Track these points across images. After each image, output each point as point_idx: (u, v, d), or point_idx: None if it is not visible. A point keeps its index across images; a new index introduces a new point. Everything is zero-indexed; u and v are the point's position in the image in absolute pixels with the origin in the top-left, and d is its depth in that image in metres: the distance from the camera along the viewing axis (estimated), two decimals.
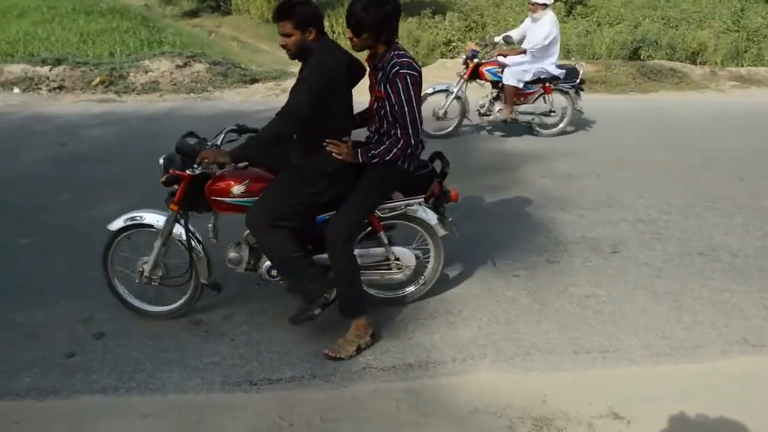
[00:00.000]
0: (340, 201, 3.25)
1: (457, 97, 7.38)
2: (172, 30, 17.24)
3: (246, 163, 3.32)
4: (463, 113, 7.47)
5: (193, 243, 3.37)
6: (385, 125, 3.24)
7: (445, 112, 7.40)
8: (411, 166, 3.28)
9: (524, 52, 7.33)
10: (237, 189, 3.24)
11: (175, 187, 3.27)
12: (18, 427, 2.80)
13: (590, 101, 10.24)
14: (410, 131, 3.11)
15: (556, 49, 7.53)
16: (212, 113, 8.38)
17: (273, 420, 2.87)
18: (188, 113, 8.41)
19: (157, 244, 3.38)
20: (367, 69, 3.31)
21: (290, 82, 10.84)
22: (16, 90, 9.14)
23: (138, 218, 3.40)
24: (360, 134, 3.51)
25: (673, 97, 11.11)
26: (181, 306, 3.58)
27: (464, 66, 7.55)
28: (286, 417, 2.89)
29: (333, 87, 3.08)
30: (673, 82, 11.92)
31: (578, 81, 7.60)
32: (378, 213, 3.43)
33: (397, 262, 3.61)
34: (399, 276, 3.66)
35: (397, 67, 3.05)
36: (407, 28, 15.93)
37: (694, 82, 12.15)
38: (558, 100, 7.68)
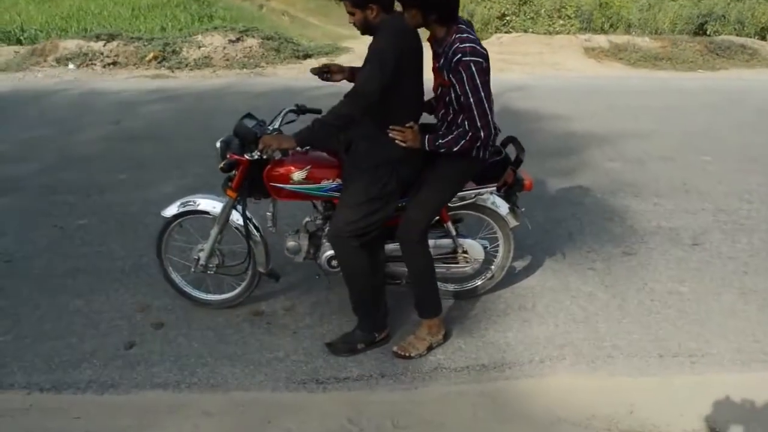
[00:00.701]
0: (407, 186, 3.03)
1: None
2: (222, 4, 17.11)
3: (308, 147, 3.12)
4: None
5: (251, 230, 3.20)
6: (451, 113, 2.94)
7: None
8: (485, 155, 3.02)
9: None
10: (297, 175, 3.04)
11: (233, 172, 3.07)
12: (79, 422, 2.69)
13: (656, 80, 9.82)
14: (479, 123, 2.79)
15: None
16: (266, 90, 8.23)
17: (341, 423, 2.69)
18: (241, 89, 8.28)
19: (214, 231, 3.22)
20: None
21: (343, 58, 10.76)
22: (71, 66, 9.15)
23: (193, 204, 3.24)
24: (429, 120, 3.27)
25: (745, 74, 10.53)
26: (238, 295, 3.43)
27: None
28: (355, 420, 2.70)
29: (402, 66, 2.83)
30: (743, 59, 11.31)
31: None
32: None
33: (465, 255, 3.38)
34: (467, 269, 3.43)
35: (459, 54, 2.69)
36: (461, 1, 15.44)
37: (765, 59, 11.49)
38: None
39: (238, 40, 10.15)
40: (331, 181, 3.07)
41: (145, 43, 9.72)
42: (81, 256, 4.02)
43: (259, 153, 2.91)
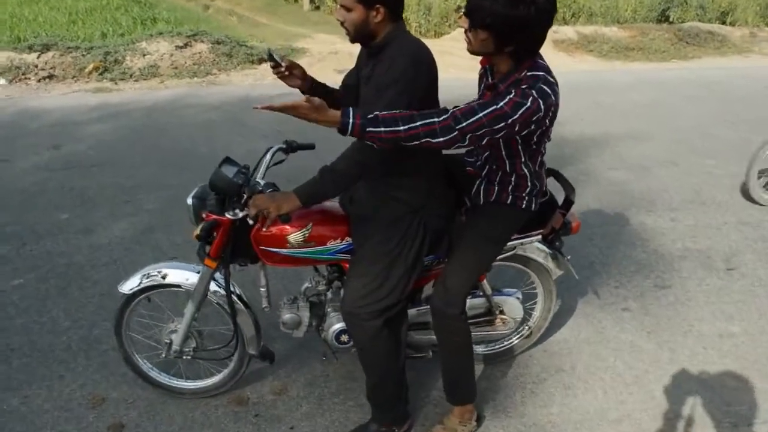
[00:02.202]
0: (436, 240, 2.41)
1: None
2: (165, 5, 16.08)
3: None
4: None
5: (236, 306, 2.52)
6: (495, 159, 2.33)
7: None
8: (536, 204, 2.40)
9: None
10: (295, 237, 2.37)
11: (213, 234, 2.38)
12: None
13: (632, 72, 9.41)
14: (462, 122, 1.93)
15: None
16: (221, 101, 7.47)
17: None
18: (194, 101, 7.49)
19: (189, 309, 2.52)
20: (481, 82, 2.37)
21: (302, 62, 9.98)
22: (1, 81, 8.18)
23: (159, 276, 2.53)
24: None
25: (719, 63, 10.22)
26: (221, 383, 2.76)
27: None
28: None
29: (429, 97, 2.20)
30: (713, 46, 11.04)
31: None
32: None
33: (502, 316, 2.78)
34: (503, 331, 2.83)
35: (524, 85, 2.00)
36: None
37: (735, 45, 11.27)
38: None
39: (186, 45, 9.31)
40: (339, 241, 2.42)
41: (84, 53, 8.79)
42: (15, 331, 3.26)
43: (250, 218, 2.22)
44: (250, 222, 2.22)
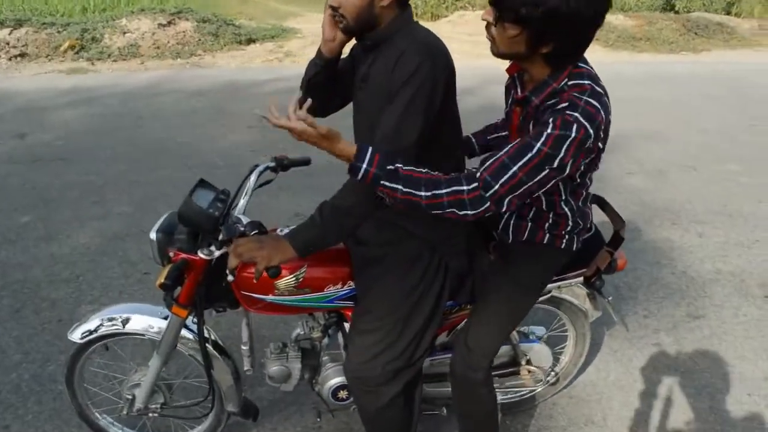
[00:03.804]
0: (458, 284, 1.96)
1: None
2: None
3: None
4: None
5: (213, 358, 2.07)
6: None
7: None
8: (578, 244, 1.96)
9: None
10: (285, 282, 1.91)
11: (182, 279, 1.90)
12: None
13: (642, 64, 8.97)
14: (495, 186, 1.50)
15: None
16: (205, 86, 6.96)
17: None
18: (176, 86, 6.98)
19: (155, 362, 2.07)
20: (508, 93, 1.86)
21: (293, 44, 9.48)
22: None
23: (118, 323, 2.06)
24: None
25: (730, 57, 9.81)
26: None
27: None
28: None
29: (446, 105, 1.73)
30: (722, 38, 10.65)
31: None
32: None
33: (529, 367, 2.35)
34: (530, 385, 2.41)
35: (566, 104, 1.52)
36: None
37: (744, 38, 10.87)
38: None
39: (169, 23, 8.77)
40: (340, 286, 1.96)
41: (60, 29, 8.23)
42: None
43: (218, 248, 1.76)
44: (230, 278, 1.76)
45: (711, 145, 5.79)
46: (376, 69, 1.68)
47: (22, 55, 7.85)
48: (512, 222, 1.92)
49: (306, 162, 2.20)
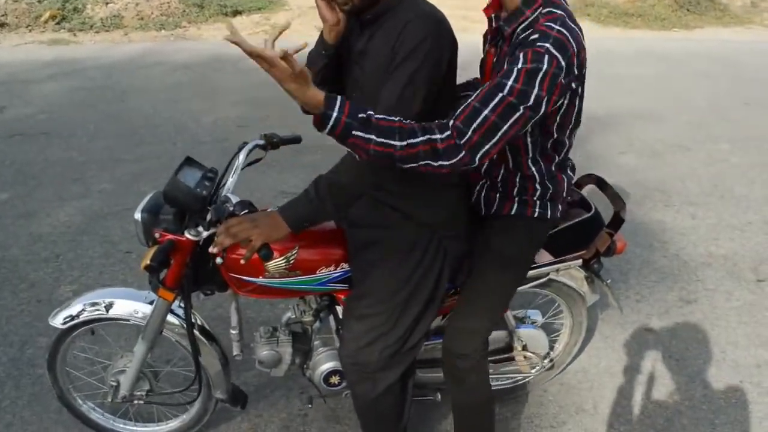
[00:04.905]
0: (457, 267, 1.90)
1: None
2: None
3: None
4: None
5: (200, 343, 2.00)
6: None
7: None
8: (556, 212, 1.87)
9: None
10: (276, 264, 1.84)
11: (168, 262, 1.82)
12: None
13: (634, 41, 8.88)
14: (462, 128, 1.42)
15: None
16: (191, 59, 6.81)
17: None
18: (161, 59, 6.81)
19: (140, 348, 2.00)
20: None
21: (281, 16, 9.29)
22: None
23: (101, 308, 1.99)
24: None
25: (723, 35, 9.75)
26: (181, 428, 2.26)
27: None
28: None
29: (446, 80, 1.63)
30: (715, 15, 10.57)
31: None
32: None
33: (525, 353, 2.31)
34: (524, 368, 2.37)
35: (536, 36, 1.44)
36: None
37: (737, 15, 10.79)
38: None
39: None
40: (333, 268, 1.89)
41: None
42: None
43: (215, 250, 1.66)
44: (219, 261, 1.68)
45: (704, 124, 5.74)
46: (376, 44, 1.60)
47: (2, 25, 7.63)
48: (483, 195, 1.85)
49: (297, 140, 2.12)
